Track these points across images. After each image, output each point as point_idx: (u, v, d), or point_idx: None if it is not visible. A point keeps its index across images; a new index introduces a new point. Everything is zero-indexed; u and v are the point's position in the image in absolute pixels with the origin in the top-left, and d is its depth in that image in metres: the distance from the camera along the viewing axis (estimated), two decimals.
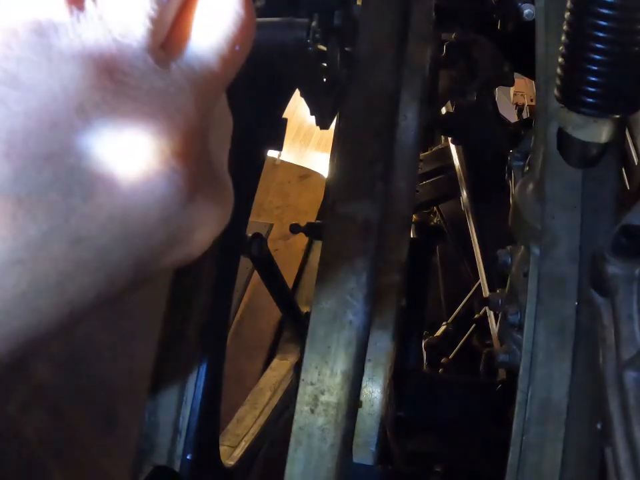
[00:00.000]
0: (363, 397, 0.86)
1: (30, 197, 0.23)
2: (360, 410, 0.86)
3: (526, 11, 1.04)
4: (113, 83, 0.25)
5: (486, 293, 1.55)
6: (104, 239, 0.25)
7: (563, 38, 0.64)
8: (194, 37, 0.28)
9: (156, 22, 0.26)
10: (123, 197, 0.25)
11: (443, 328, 1.73)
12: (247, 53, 0.29)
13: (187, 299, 0.98)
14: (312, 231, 1.26)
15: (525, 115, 2.35)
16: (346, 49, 0.84)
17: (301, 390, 0.84)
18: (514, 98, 2.45)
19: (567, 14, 0.63)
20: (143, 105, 0.25)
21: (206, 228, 0.28)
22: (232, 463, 1.10)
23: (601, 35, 0.60)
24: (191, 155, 0.26)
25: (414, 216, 1.66)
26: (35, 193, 0.23)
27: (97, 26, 0.25)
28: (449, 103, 1.65)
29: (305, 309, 1.38)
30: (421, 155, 1.45)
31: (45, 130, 0.24)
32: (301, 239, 1.77)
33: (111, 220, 0.25)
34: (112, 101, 0.25)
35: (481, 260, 1.59)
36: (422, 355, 1.65)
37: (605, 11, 0.59)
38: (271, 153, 1.20)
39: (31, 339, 0.25)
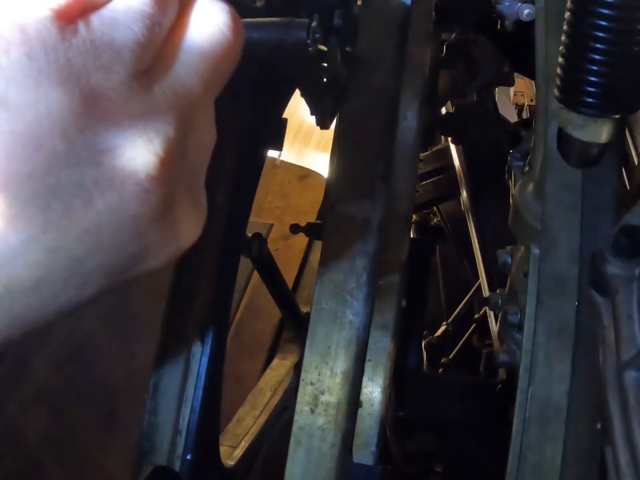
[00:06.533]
0: (362, 397, 0.86)
1: (10, 210, 0.25)
2: (360, 410, 0.86)
3: (526, 11, 1.04)
4: (97, 110, 0.26)
5: (486, 293, 1.55)
6: (78, 249, 0.26)
7: (563, 38, 0.64)
8: (179, 59, 0.29)
9: (145, 47, 0.27)
10: (98, 213, 0.26)
11: (443, 328, 1.73)
12: (230, 74, 0.30)
13: (187, 300, 0.98)
14: (312, 230, 1.26)
15: (525, 114, 2.35)
16: (346, 48, 0.84)
17: (300, 390, 0.84)
18: (514, 98, 2.45)
19: (567, 14, 0.63)
20: (124, 130, 0.26)
21: (177, 242, 0.30)
22: (232, 463, 1.10)
23: (600, 34, 0.60)
24: (165, 177, 0.27)
25: (414, 216, 1.66)
26: (15, 206, 0.25)
27: (87, 51, 0.26)
28: (449, 103, 1.65)
29: (305, 309, 1.38)
30: (421, 154, 1.44)
31: (28, 151, 0.25)
32: (301, 239, 1.77)
33: (85, 233, 0.26)
34: (94, 127, 0.26)
35: (480, 260, 1.59)
36: (422, 354, 1.65)
37: (605, 11, 0.58)
38: (271, 153, 1.20)
39: (4, 339, 0.27)
